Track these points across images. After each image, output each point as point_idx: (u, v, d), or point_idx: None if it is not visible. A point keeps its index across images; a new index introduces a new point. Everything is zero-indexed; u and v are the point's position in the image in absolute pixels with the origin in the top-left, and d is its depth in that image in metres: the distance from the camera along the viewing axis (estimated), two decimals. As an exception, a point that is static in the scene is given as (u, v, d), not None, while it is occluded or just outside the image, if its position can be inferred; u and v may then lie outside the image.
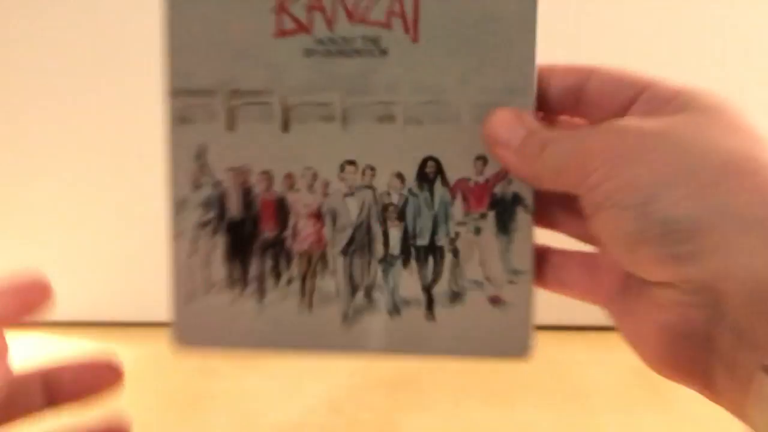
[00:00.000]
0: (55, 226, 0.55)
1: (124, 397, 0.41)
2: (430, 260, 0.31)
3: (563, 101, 0.30)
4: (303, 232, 0.32)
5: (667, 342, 0.25)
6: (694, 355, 0.24)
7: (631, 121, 0.26)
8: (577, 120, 0.31)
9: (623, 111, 0.29)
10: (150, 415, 0.41)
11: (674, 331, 0.24)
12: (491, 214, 0.31)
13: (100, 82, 0.54)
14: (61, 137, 0.54)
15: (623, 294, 0.28)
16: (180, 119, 0.31)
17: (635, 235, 0.24)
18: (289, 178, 0.31)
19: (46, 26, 0.54)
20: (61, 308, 0.53)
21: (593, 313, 0.31)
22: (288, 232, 0.32)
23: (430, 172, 0.31)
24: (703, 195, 0.23)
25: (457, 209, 0.31)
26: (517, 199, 0.31)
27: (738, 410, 0.23)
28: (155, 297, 0.46)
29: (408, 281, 0.32)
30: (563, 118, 0.31)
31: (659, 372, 0.26)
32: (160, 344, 0.47)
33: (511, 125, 0.29)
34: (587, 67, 0.30)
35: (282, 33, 0.31)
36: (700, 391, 0.25)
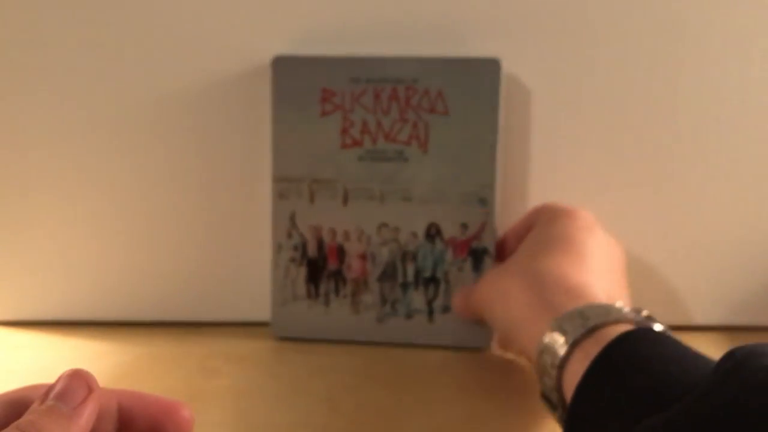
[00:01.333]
0: (55, 226, 0.54)
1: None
2: (431, 286, 0.51)
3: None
4: (354, 267, 0.51)
5: None
6: None
7: (492, 271, 0.49)
8: None
9: None
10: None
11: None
12: (469, 259, 0.51)
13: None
14: (63, 136, 0.52)
15: None
16: (279, 195, 0.51)
17: (493, 325, 0.47)
18: (346, 233, 0.51)
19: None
20: (61, 308, 0.57)
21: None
22: (345, 266, 0.51)
23: (432, 232, 0.50)
24: (503, 305, 0.44)
25: (449, 255, 0.51)
26: (485, 251, 0.50)
27: None
28: (155, 297, 0.55)
29: (418, 298, 0.51)
30: None
31: None
32: (160, 344, 0.53)
33: (459, 298, 0.51)
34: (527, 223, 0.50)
35: (345, 146, 0.50)
36: None
